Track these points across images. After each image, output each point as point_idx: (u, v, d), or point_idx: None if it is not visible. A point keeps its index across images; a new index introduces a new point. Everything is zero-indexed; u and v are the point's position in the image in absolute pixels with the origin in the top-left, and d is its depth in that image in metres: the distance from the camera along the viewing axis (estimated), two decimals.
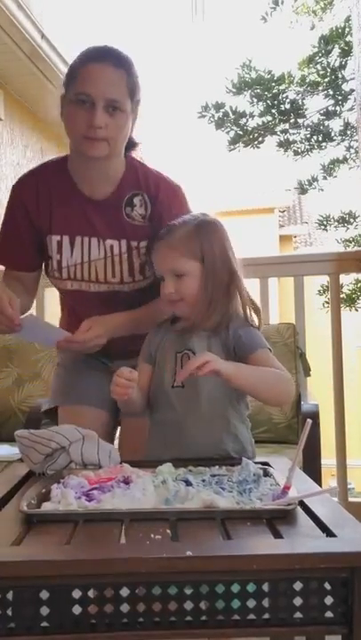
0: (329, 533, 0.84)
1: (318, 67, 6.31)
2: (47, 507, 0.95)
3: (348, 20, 5.87)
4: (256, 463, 1.16)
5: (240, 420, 1.44)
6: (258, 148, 6.65)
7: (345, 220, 6.41)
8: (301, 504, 0.96)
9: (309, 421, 1.02)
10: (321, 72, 6.32)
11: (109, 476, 1.10)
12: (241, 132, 6.51)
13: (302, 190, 6.91)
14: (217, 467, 1.18)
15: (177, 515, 0.91)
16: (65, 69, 1.64)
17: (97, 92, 1.42)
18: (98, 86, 1.43)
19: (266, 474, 1.12)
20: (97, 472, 1.15)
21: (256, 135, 6.55)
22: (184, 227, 1.45)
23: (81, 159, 1.54)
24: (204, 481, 1.08)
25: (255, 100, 6.36)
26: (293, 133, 6.65)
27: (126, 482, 1.04)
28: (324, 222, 6.51)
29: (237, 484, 1.04)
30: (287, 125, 6.55)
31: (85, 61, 1.47)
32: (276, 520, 0.90)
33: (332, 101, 6.44)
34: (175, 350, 1.45)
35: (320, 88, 6.36)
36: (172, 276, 1.41)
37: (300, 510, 0.95)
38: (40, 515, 0.92)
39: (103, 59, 1.46)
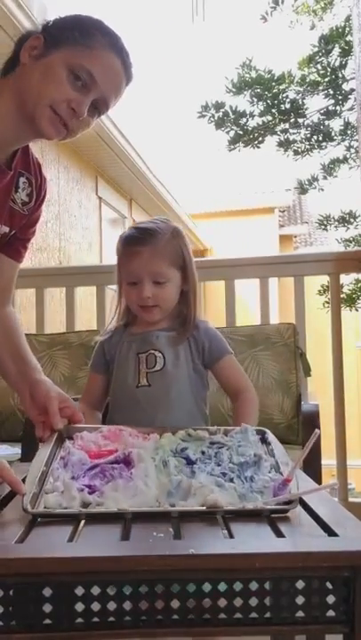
0: (330, 532, 0.85)
1: (318, 66, 6.29)
2: (50, 500, 0.94)
3: (348, 19, 5.87)
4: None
5: (203, 416, 1.50)
6: (258, 147, 6.64)
7: (345, 220, 6.41)
8: (302, 504, 0.97)
9: (317, 432, 1.04)
10: (321, 72, 6.31)
11: (109, 449, 1.11)
12: (241, 132, 6.50)
13: (302, 190, 6.91)
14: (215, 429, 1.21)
15: (179, 513, 0.92)
16: None
17: None
18: None
19: (263, 440, 1.17)
20: (97, 439, 1.16)
21: (256, 135, 6.54)
22: (164, 232, 1.48)
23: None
24: (203, 453, 1.09)
25: (255, 100, 6.35)
26: (293, 133, 6.64)
27: (127, 461, 1.04)
28: (325, 222, 6.51)
29: (238, 466, 1.04)
30: (287, 125, 6.55)
31: None
32: (278, 519, 0.90)
33: (332, 101, 6.43)
34: (136, 351, 1.48)
35: (320, 88, 6.35)
36: (151, 282, 1.44)
37: (301, 510, 0.95)
38: (43, 514, 0.92)
39: None
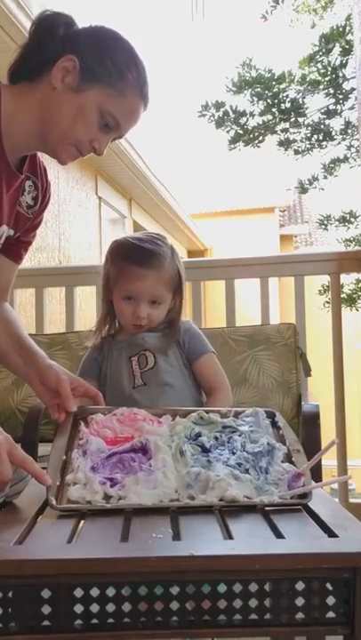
0: (331, 534, 0.84)
1: (319, 65, 6.28)
2: (73, 494, 0.96)
3: (348, 18, 5.86)
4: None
5: (200, 404, 1.51)
6: (258, 147, 6.63)
7: (346, 220, 6.41)
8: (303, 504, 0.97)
9: (336, 440, 1.06)
10: (322, 71, 6.29)
11: (125, 436, 1.12)
12: (241, 132, 6.49)
13: (303, 190, 6.90)
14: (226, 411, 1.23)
15: (189, 509, 0.93)
16: None
17: None
18: None
19: (274, 424, 1.20)
20: (113, 424, 1.17)
21: (256, 134, 6.53)
22: (167, 255, 1.52)
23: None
24: (217, 439, 1.10)
25: (255, 99, 6.34)
26: (294, 132, 6.64)
27: (144, 450, 1.06)
28: (325, 222, 6.51)
29: (253, 456, 1.05)
30: (288, 124, 6.54)
31: None
32: (278, 520, 0.90)
33: (332, 100, 6.42)
34: (127, 356, 1.52)
35: (321, 87, 6.34)
36: (148, 302, 1.49)
37: (301, 510, 0.95)
38: (70, 510, 0.93)
39: None
